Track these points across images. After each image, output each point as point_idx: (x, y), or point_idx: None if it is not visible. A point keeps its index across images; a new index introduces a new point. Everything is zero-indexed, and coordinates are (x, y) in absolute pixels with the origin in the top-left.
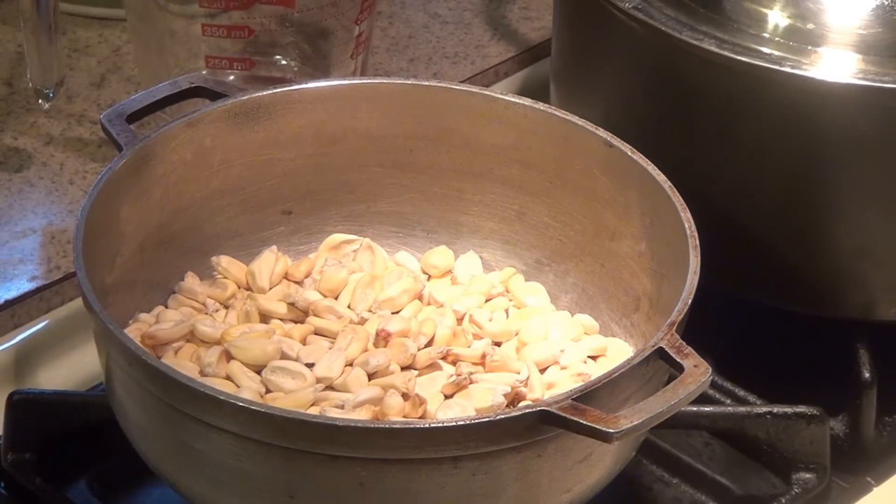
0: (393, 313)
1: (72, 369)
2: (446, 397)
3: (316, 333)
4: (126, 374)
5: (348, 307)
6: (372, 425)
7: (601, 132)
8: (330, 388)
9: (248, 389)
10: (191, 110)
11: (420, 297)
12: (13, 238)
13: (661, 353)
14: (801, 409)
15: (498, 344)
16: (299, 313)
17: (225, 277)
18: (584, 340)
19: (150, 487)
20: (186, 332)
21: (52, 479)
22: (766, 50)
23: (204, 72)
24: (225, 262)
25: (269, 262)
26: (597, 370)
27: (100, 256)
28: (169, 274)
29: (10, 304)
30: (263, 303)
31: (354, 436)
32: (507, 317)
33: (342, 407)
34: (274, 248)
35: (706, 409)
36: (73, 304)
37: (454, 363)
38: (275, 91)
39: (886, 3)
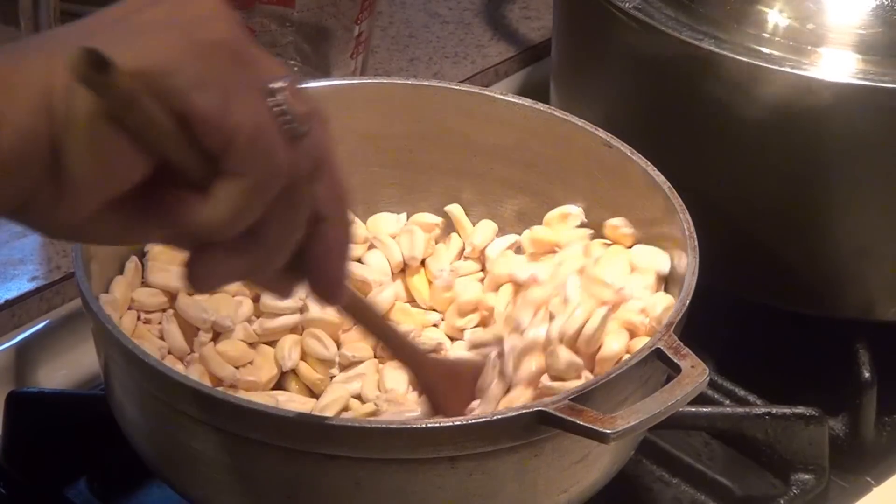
0: None
1: (72, 369)
2: None
3: None
4: (125, 373)
5: None
6: (368, 425)
7: (601, 133)
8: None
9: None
10: None
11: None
12: (13, 238)
13: (658, 354)
14: (799, 409)
15: None
16: None
17: None
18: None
19: (149, 487)
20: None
21: (51, 479)
22: (766, 50)
23: None
24: None
25: None
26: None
27: (100, 256)
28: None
29: (10, 303)
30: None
31: (351, 436)
32: None
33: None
34: None
35: (705, 409)
36: (72, 303)
37: None
38: None
39: (886, 2)
